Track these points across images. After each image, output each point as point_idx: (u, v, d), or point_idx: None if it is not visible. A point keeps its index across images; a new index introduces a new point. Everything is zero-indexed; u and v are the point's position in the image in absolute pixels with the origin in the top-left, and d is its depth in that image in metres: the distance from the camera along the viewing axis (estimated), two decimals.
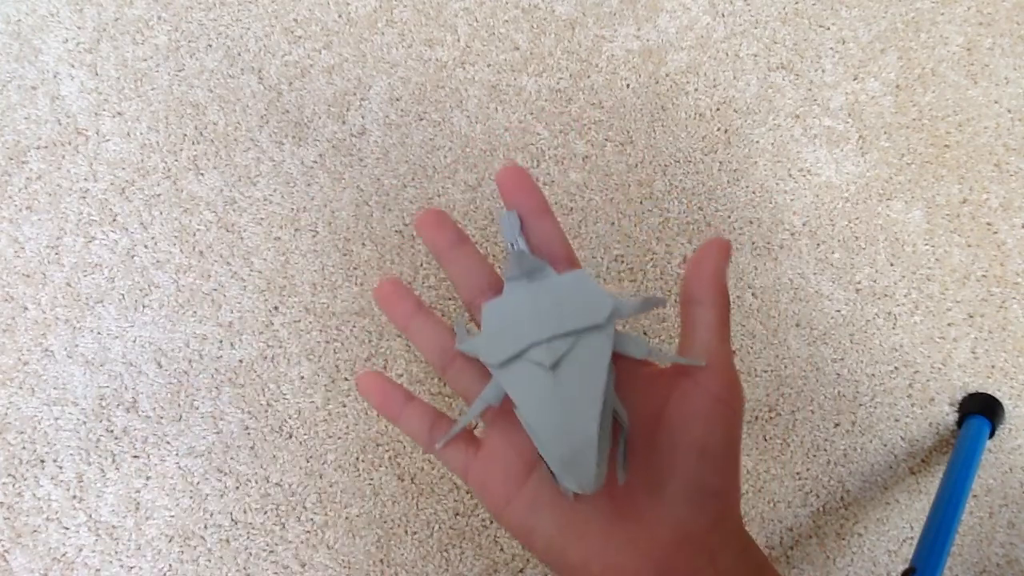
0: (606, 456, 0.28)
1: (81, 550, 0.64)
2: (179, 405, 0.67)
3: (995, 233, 0.72)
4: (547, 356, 0.30)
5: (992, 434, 0.66)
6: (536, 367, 0.30)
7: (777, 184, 0.73)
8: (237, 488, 0.66)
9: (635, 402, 0.29)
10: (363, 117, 0.74)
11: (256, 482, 0.66)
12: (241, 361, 0.68)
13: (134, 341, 0.68)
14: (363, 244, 0.71)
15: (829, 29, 0.78)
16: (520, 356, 0.30)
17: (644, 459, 0.28)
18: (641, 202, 0.73)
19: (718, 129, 0.75)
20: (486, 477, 0.30)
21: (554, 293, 0.31)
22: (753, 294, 0.71)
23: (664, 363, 0.31)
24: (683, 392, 0.28)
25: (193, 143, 0.73)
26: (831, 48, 0.77)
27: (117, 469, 0.66)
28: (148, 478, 0.66)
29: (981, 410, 0.66)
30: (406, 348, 0.69)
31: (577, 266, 0.33)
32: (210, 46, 0.76)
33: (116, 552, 0.64)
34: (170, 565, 0.64)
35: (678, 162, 0.74)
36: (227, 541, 0.65)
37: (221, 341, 0.69)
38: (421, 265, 0.71)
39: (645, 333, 0.70)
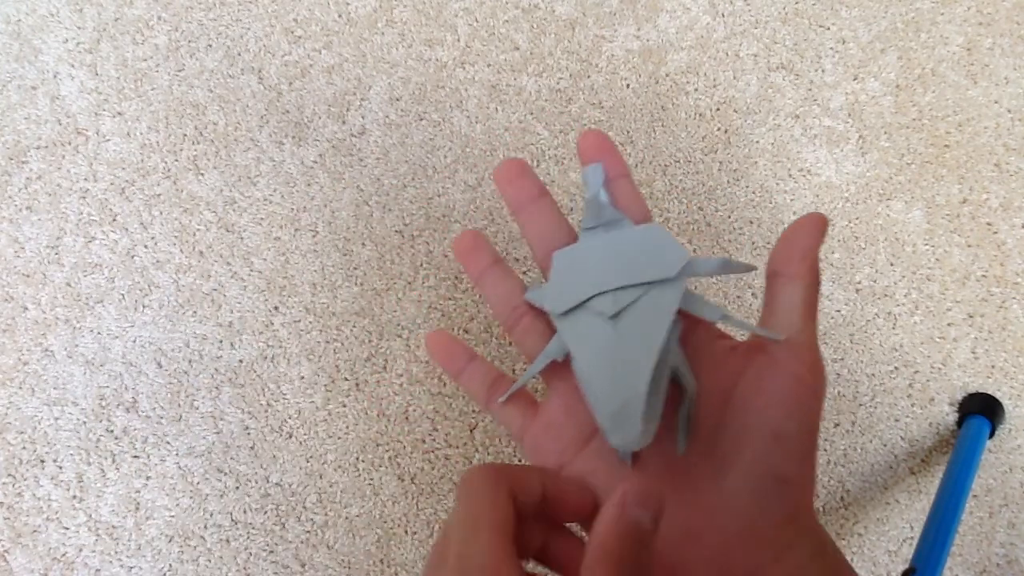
0: (657, 415, 0.26)
1: (81, 550, 0.64)
2: (179, 405, 0.67)
3: (995, 233, 0.72)
4: (610, 306, 0.28)
5: (992, 434, 0.66)
6: (597, 317, 0.28)
7: (777, 184, 0.73)
8: (237, 488, 0.66)
9: (704, 376, 0.27)
10: (363, 117, 0.74)
11: (256, 482, 0.66)
12: (241, 361, 0.68)
13: (134, 341, 0.68)
14: (363, 244, 0.71)
15: (829, 29, 0.78)
16: (584, 305, 0.29)
17: (710, 439, 0.26)
18: None
19: (718, 129, 0.75)
20: (541, 442, 0.28)
21: (627, 244, 0.30)
22: (753, 294, 0.71)
23: (740, 332, 0.28)
24: (760, 370, 0.26)
25: (193, 143, 0.73)
26: (831, 48, 0.77)
27: (117, 469, 0.66)
28: (148, 478, 0.66)
29: (981, 410, 0.66)
30: (406, 348, 0.69)
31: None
32: (210, 46, 0.76)
33: (116, 552, 0.64)
34: (170, 565, 0.64)
35: (678, 162, 0.74)
36: (227, 541, 0.65)
37: (221, 341, 0.69)
38: (421, 265, 0.71)
39: None
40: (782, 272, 0.27)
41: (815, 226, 0.26)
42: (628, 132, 0.74)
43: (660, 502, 0.23)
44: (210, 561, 0.64)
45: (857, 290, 0.71)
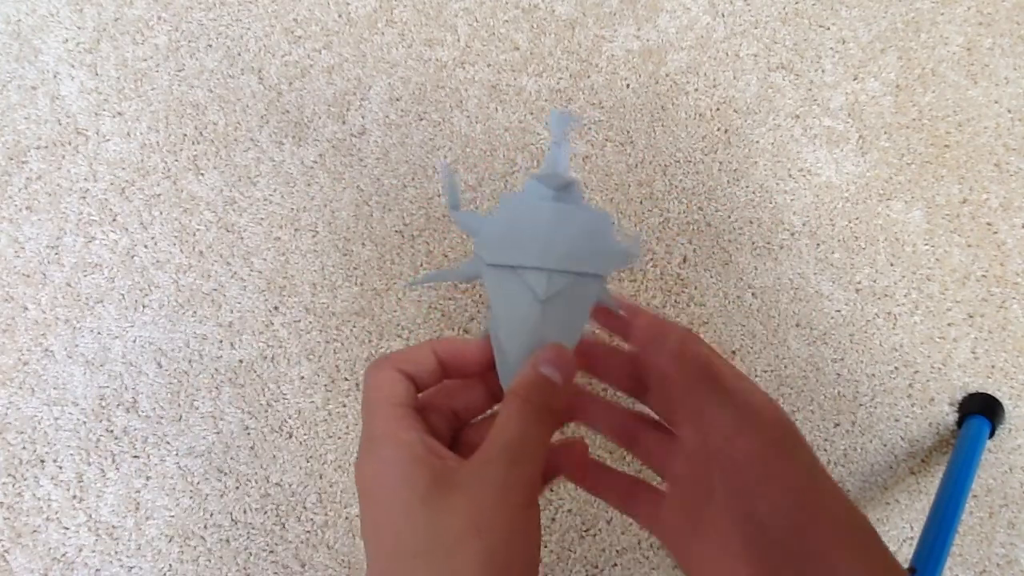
0: None
1: (81, 550, 0.64)
2: (179, 405, 0.67)
3: (995, 233, 0.72)
4: (543, 287, 0.30)
5: (992, 434, 0.66)
6: (527, 292, 0.30)
7: (777, 184, 0.73)
8: (237, 488, 0.66)
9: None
10: (363, 117, 0.74)
11: (256, 482, 0.66)
12: (241, 361, 0.68)
13: (134, 341, 0.68)
14: (363, 244, 0.71)
15: (829, 29, 0.78)
16: (516, 269, 0.31)
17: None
18: (641, 202, 0.73)
19: (718, 129, 0.75)
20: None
21: (573, 225, 0.31)
22: (753, 294, 0.71)
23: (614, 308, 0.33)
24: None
25: (193, 143, 0.73)
26: (831, 48, 0.77)
27: (117, 469, 0.66)
28: (148, 478, 0.66)
29: (981, 410, 0.66)
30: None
31: None
32: (210, 46, 0.76)
33: (116, 552, 0.64)
34: (170, 565, 0.64)
35: (678, 162, 0.74)
36: (227, 541, 0.65)
37: (221, 341, 0.69)
38: (421, 265, 0.71)
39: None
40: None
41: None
42: (628, 132, 0.74)
43: (569, 363, 0.30)
44: (210, 561, 0.64)
45: (857, 290, 0.71)
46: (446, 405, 0.31)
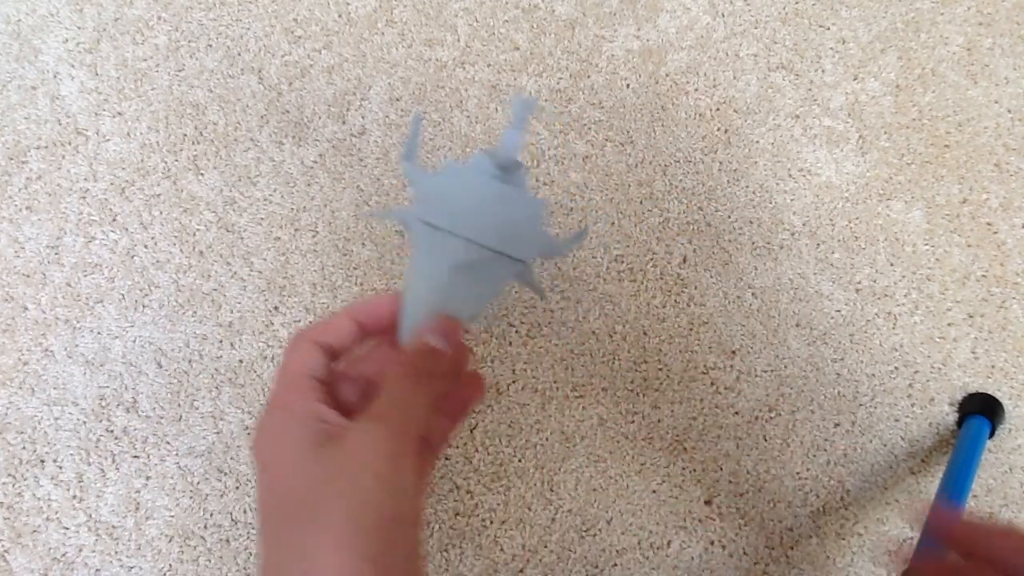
0: None
1: (81, 550, 0.64)
2: (179, 405, 0.67)
3: (995, 233, 0.72)
4: (461, 255, 0.33)
5: (992, 434, 0.66)
6: (444, 255, 0.33)
7: (777, 184, 0.73)
8: (237, 488, 0.66)
9: None
10: (363, 117, 0.74)
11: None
12: (241, 361, 0.68)
13: (134, 341, 0.68)
14: (363, 244, 0.71)
15: (829, 29, 0.78)
16: (443, 232, 0.33)
17: None
18: (641, 202, 0.73)
19: (718, 129, 0.75)
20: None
21: (506, 206, 0.33)
22: (753, 294, 0.71)
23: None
24: None
25: (193, 143, 0.73)
26: (831, 48, 0.77)
27: (117, 469, 0.66)
28: (148, 478, 0.66)
29: (981, 410, 0.66)
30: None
31: None
32: (210, 46, 0.76)
33: (116, 552, 0.64)
34: (170, 565, 0.64)
35: (678, 162, 0.74)
36: (227, 541, 0.65)
37: (221, 341, 0.69)
38: None
39: (645, 333, 0.69)
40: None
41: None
42: (628, 132, 0.74)
43: (456, 335, 0.33)
44: (210, 561, 0.64)
45: (857, 290, 0.71)
46: (359, 373, 0.34)
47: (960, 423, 0.67)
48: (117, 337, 0.69)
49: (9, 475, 0.65)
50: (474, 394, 0.36)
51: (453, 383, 0.33)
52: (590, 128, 0.74)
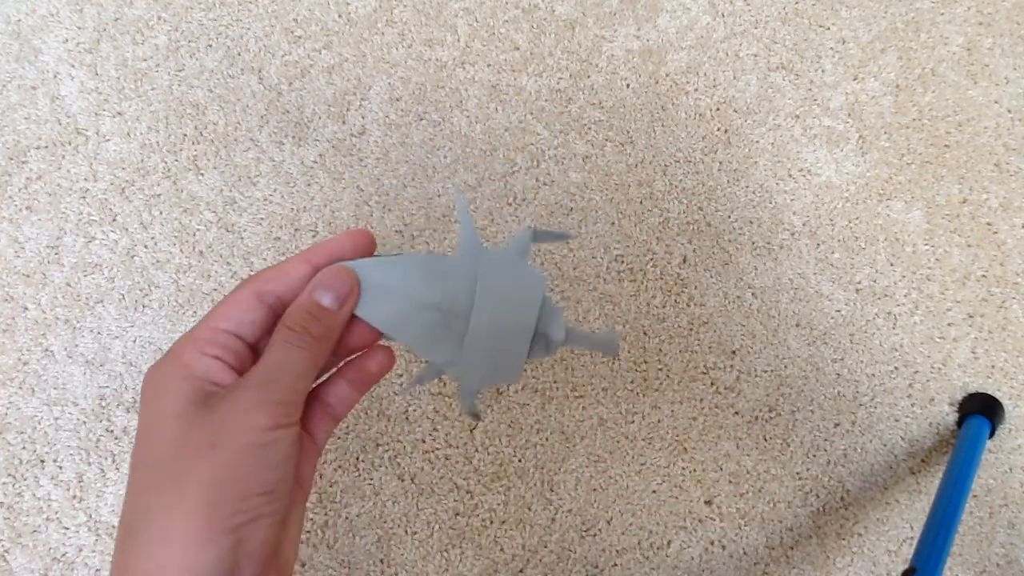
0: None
1: (81, 550, 0.64)
2: None
3: (995, 233, 0.72)
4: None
5: (992, 434, 0.66)
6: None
7: (777, 184, 0.73)
8: None
9: None
10: (363, 117, 0.74)
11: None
12: None
13: (134, 341, 0.68)
14: None
15: (829, 29, 0.78)
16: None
17: None
18: (641, 202, 0.73)
19: (718, 129, 0.75)
20: None
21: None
22: (753, 294, 0.71)
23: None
24: None
25: (193, 143, 0.73)
26: (831, 48, 0.77)
27: (117, 469, 0.66)
28: None
29: (981, 410, 0.66)
30: (405, 348, 0.69)
31: None
32: (210, 46, 0.76)
33: None
34: None
35: (678, 162, 0.74)
36: None
37: None
38: None
39: (645, 333, 0.69)
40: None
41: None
42: (628, 132, 0.74)
43: (349, 290, 0.30)
44: None
45: (857, 290, 0.71)
46: None
47: (960, 423, 0.67)
48: (117, 337, 0.69)
49: (9, 475, 0.65)
50: (383, 364, 0.34)
51: (340, 347, 0.32)
52: (590, 128, 0.74)
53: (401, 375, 0.68)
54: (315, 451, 0.32)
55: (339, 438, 0.67)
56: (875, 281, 0.71)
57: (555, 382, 0.68)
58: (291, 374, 0.29)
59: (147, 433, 0.28)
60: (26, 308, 0.69)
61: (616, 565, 0.64)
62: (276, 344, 0.29)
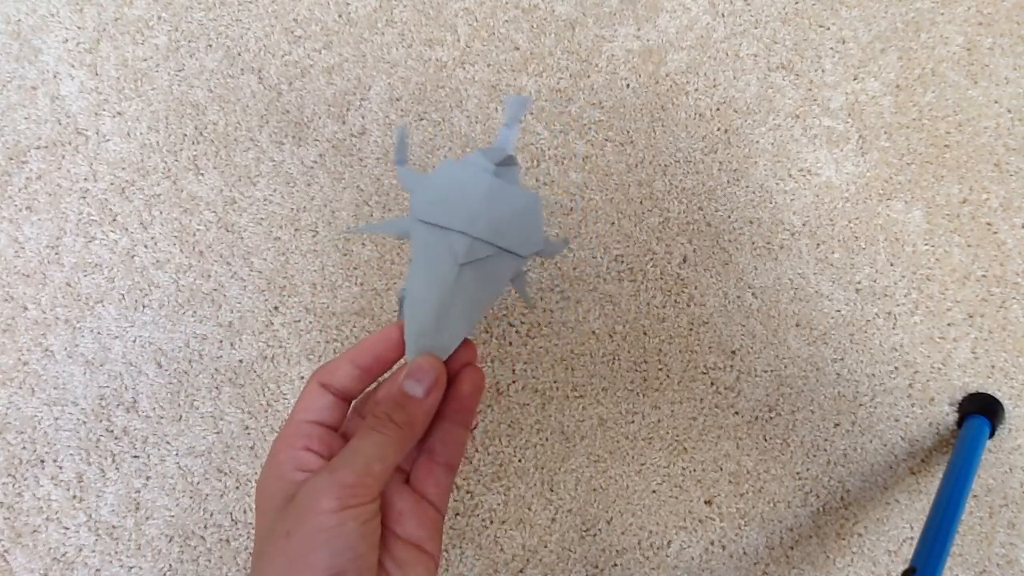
0: (447, 354, 0.33)
1: (81, 550, 0.64)
2: (179, 405, 0.67)
3: (995, 233, 0.72)
4: (464, 252, 0.32)
5: (992, 434, 0.66)
6: (449, 253, 0.32)
7: (777, 184, 0.73)
8: (237, 488, 0.66)
9: None
10: (363, 117, 0.74)
11: (256, 482, 0.66)
12: (241, 361, 0.68)
13: (134, 341, 0.68)
14: (363, 244, 0.71)
15: (829, 29, 0.78)
16: (442, 229, 0.32)
17: None
18: (641, 202, 0.73)
19: (718, 129, 0.75)
20: None
21: (505, 202, 0.33)
22: (753, 294, 0.71)
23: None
24: None
25: (193, 143, 0.73)
26: (831, 48, 0.77)
27: (117, 469, 0.66)
28: (148, 478, 0.66)
29: (981, 410, 0.66)
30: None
31: None
32: (210, 46, 0.76)
33: (116, 552, 0.64)
34: (170, 565, 0.64)
35: (678, 162, 0.74)
36: (227, 541, 0.65)
37: (221, 341, 0.69)
38: None
39: (645, 333, 0.69)
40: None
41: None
42: (628, 132, 0.74)
43: (433, 375, 0.31)
44: (210, 561, 0.64)
45: (857, 290, 0.71)
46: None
47: (960, 423, 0.67)
48: (117, 337, 0.69)
49: (9, 475, 0.65)
50: (475, 381, 0.35)
51: (422, 426, 0.33)
52: (590, 128, 0.74)
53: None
54: (427, 510, 0.32)
55: None
56: (875, 281, 0.71)
57: (555, 382, 0.68)
58: (364, 457, 0.29)
59: (256, 526, 0.30)
60: (26, 308, 0.69)
61: (616, 565, 0.64)
62: (360, 430, 0.31)
